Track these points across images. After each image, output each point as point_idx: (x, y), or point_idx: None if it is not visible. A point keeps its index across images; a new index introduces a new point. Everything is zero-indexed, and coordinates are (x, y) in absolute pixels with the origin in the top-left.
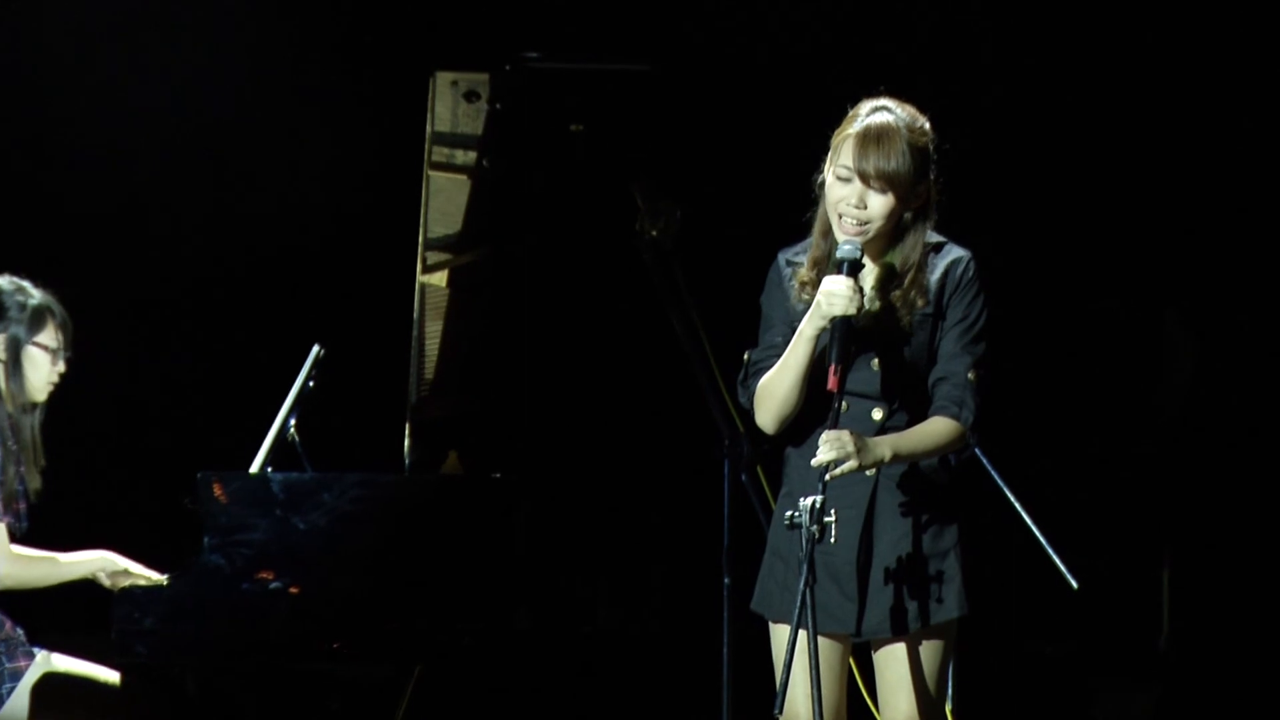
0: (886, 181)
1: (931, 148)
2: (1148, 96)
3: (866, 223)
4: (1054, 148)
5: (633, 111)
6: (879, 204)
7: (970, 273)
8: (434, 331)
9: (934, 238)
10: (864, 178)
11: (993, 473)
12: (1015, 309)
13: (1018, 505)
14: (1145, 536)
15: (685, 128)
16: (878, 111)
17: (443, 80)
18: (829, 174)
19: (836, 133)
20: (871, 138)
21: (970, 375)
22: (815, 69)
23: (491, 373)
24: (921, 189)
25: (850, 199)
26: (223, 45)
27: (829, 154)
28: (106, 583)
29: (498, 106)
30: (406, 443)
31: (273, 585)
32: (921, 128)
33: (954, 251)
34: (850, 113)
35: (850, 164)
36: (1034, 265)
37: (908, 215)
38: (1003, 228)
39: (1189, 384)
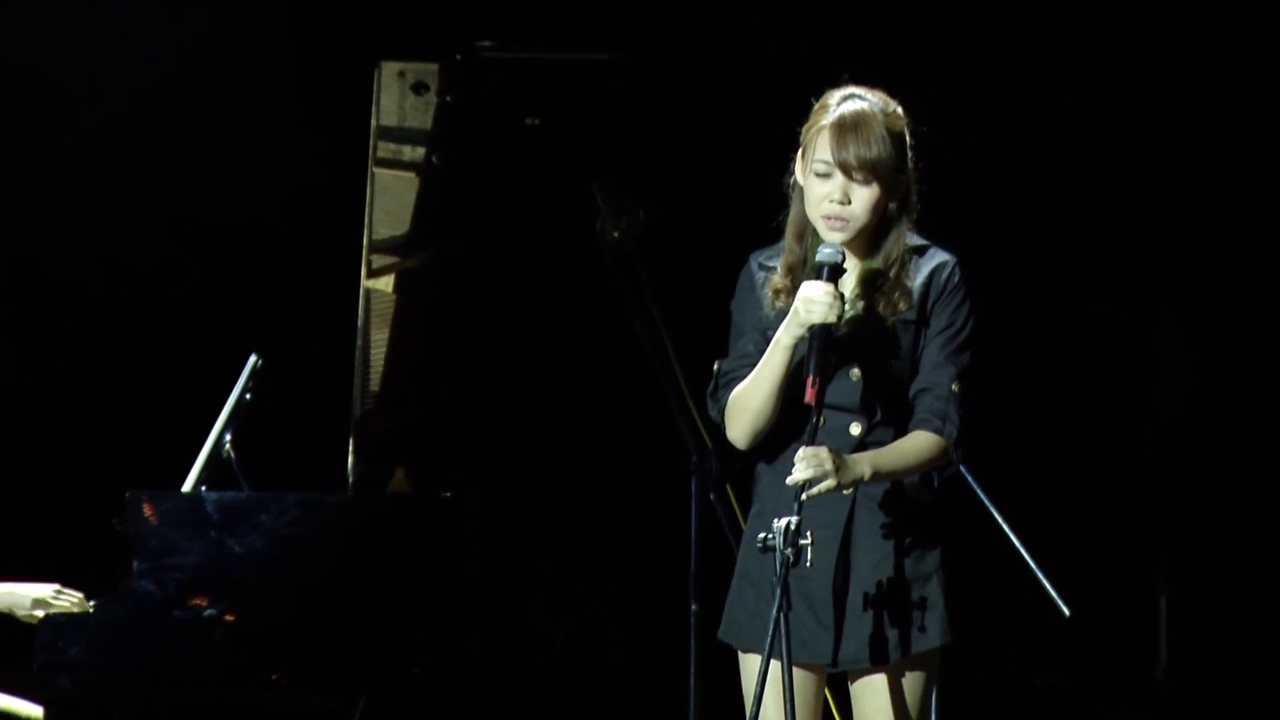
0: (870, 171)
1: (908, 132)
2: (1142, 96)
3: (851, 219)
4: (1045, 147)
5: (594, 105)
6: (864, 197)
7: (955, 278)
8: (379, 340)
9: (916, 240)
10: (845, 169)
11: (978, 491)
12: (1003, 315)
13: (1005, 526)
14: (1141, 559)
15: (651, 122)
16: (849, 100)
17: (389, 71)
18: (803, 173)
19: (806, 127)
20: (849, 126)
21: (954, 387)
22: (794, 60)
23: (442, 384)
24: (902, 178)
25: (832, 195)
26: (149, 34)
27: (800, 152)
28: (21, 615)
29: (448, 99)
30: (350, 459)
31: (207, 612)
32: (895, 112)
33: (938, 256)
34: (818, 104)
35: (829, 157)
36: (1022, 268)
37: (892, 207)
38: (991, 229)
39: (1186, 391)
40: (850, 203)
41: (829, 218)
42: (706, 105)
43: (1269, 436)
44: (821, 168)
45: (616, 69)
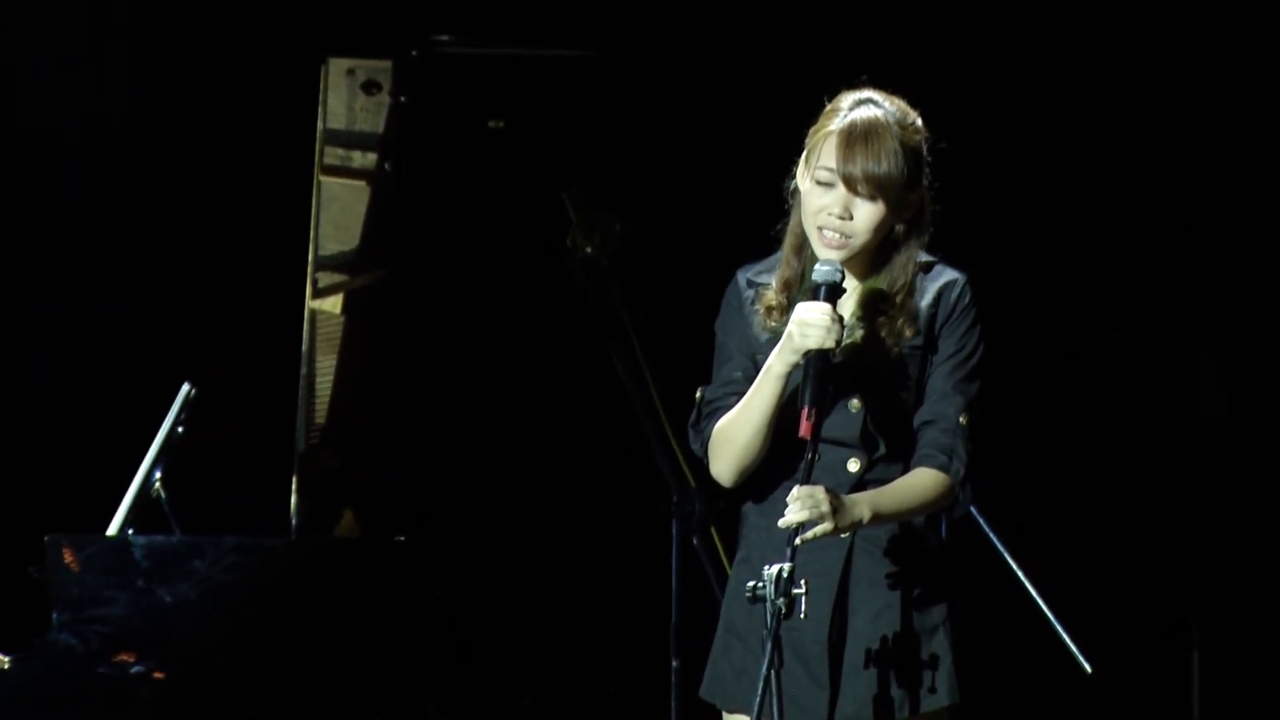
0: (876, 187)
1: (925, 148)
2: (1175, 115)
3: (851, 236)
4: (1071, 161)
5: (564, 106)
6: (866, 214)
7: (966, 299)
8: (326, 367)
9: (923, 257)
10: (849, 182)
11: (990, 534)
12: (1023, 343)
13: (1020, 573)
14: (1171, 610)
15: (629, 125)
16: (863, 105)
17: (337, 68)
18: (805, 179)
19: (813, 130)
20: (858, 135)
21: (962, 419)
22: (788, 55)
23: (396, 416)
24: (914, 197)
25: (832, 208)
26: (71, 34)
27: (804, 156)
28: None
29: (402, 99)
30: (294, 499)
31: (134, 668)
32: (914, 124)
33: (946, 274)
34: (829, 106)
35: (833, 166)
36: (1044, 292)
37: (899, 228)
38: (1011, 248)
39: (1221, 428)
40: (851, 218)
41: (825, 231)
42: (690, 105)
43: None
44: (824, 176)
45: (588, 66)
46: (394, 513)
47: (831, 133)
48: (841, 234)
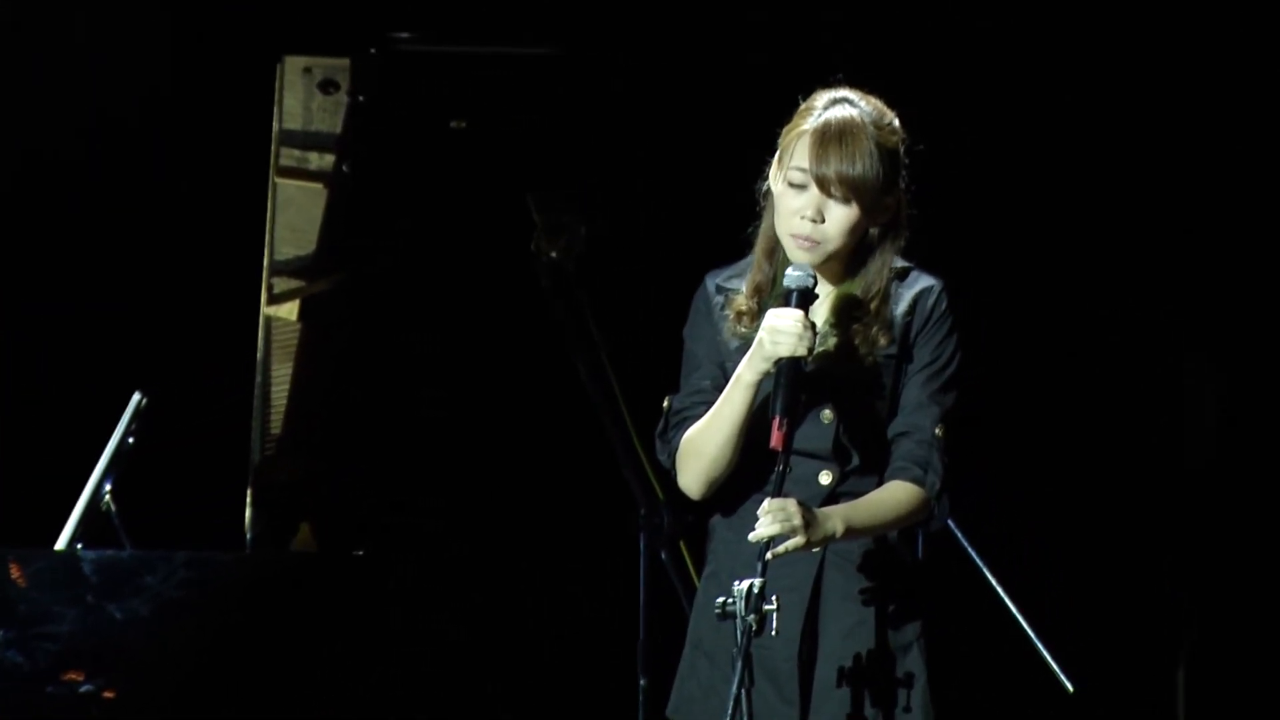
0: (850, 189)
1: (902, 150)
2: (1165, 120)
3: (823, 239)
4: (1052, 161)
5: (529, 106)
6: (840, 216)
7: (942, 306)
8: (282, 375)
9: (899, 263)
10: (823, 184)
11: (969, 549)
12: (1002, 349)
13: (1000, 590)
14: (1156, 626)
15: (596, 125)
16: (838, 104)
17: (293, 66)
18: (777, 180)
19: (786, 129)
20: (832, 135)
21: (937, 430)
22: (766, 52)
23: (354, 426)
24: (889, 200)
25: (805, 209)
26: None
27: (776, 156)
28: None
29: (360, 99)
30: (248, 513)
31: (83, 688)
32: (891, 125)
33: (922, 280)
34: (803, 105)
35: (806, 166)
36: (1025, 297)
37: (873, 232)
38: (992, 250)
39: (1214, 438)
40: (824, 221)
41: (797, 236)
42: (659, 104)
43: None
44: (797, 177)
45: (553, 65)
46: (352, 526)
47: (805, 132)
48: (814, 237)
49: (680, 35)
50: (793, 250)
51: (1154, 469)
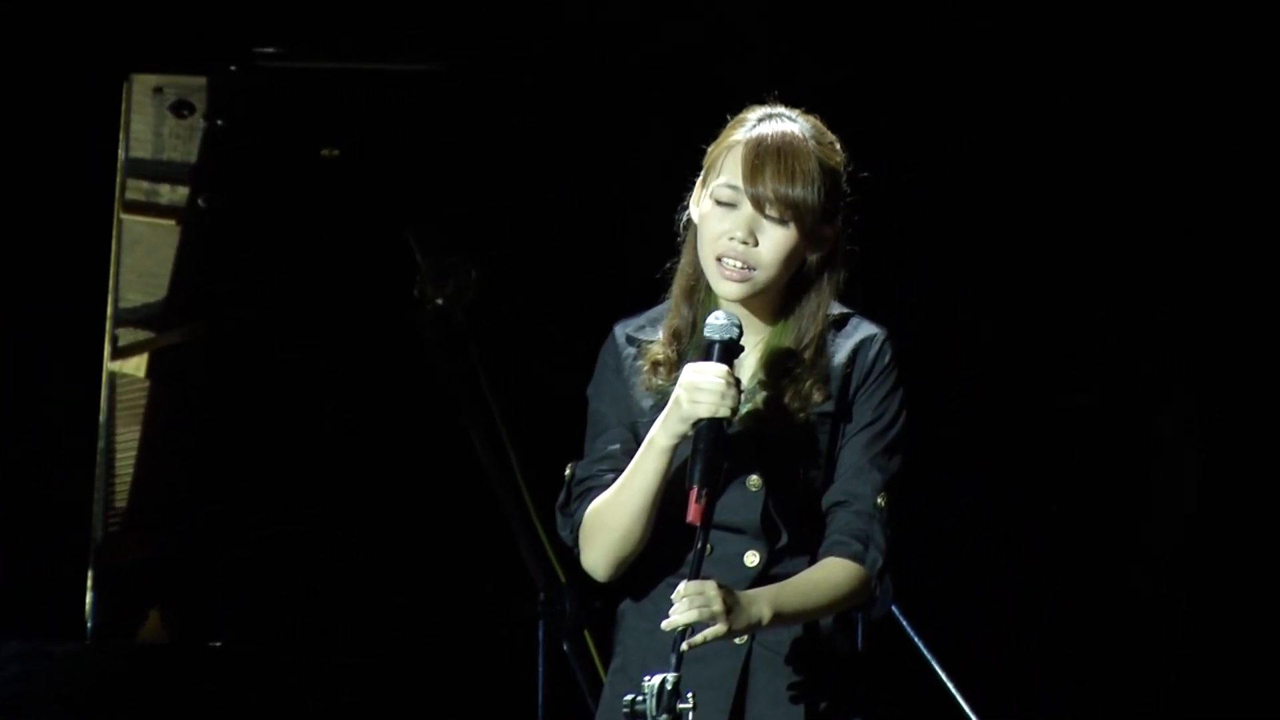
0: (788, 208)
1: (844, 176)
2: (1125, 158)
3: (755, 267)
4: (1013, 192)
5: (411, 130)
6: (775, 240)
7: (885, 358)
8: (128, 440)
9: (837, 308)
10: (757, 201)
11: (915, 639)
12: (953, 407)
13: (951, 686)
14: None
15: (487, 152)
16: (774, 118)
17: (142, 86)
18: (703, 201)
19: (714, 145)
20: (769, 149)
21: (880, 500)
22: (689, 69)
23: (209, 499)
24: (829, 231)
25: (735, 230)
26: None
27: (701, 176)
28: None
29: (219, 123)
30: (89, 596)
31: None
32: (833, 144)
33: (864, 328)
34: (733, 120)
35: (737, 183)
36: (981, 344)
37: (811, 260)
38: (942, 294)
39: (1193, 504)
40: (756, 244)
41: (725, 258)
42: (563, 128)
43: None
44: (726, 194)
45: (437, 83)
46: (209, 613)
47: (737, 144)
48: (744, 263)
49: (585, 47)
50: (718, 280)
51: (1124, 546)
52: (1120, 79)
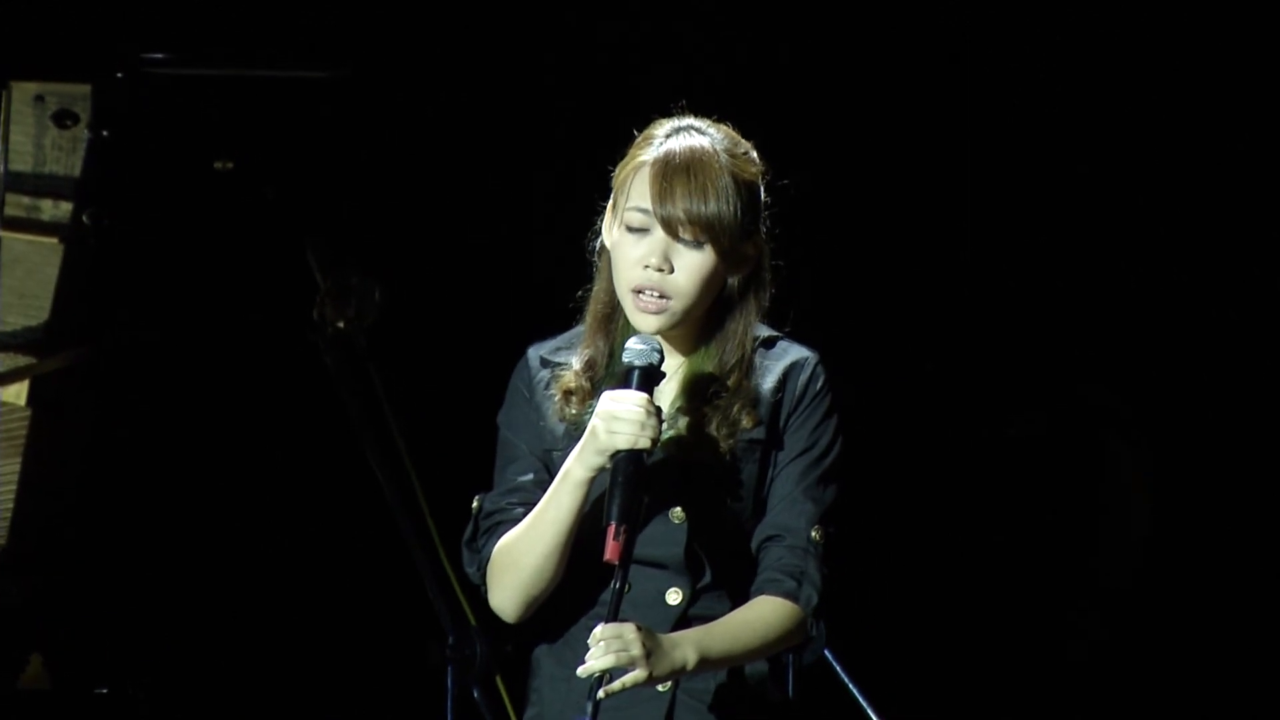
0: (702, 229)
1: (763, 185)
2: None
3: (672, 296)
4: (948, 205)
5: (311, 140)
6: (691, 264)
7: (818, 383)
8: (8, 475)
9: (764, 330)
10: (669, 225)
11: (850, 684)
12: (888, 435)
13: None
14: None
15: (393, 165)
16: (682, 132)
17: (21, 94)
18: (614, 228)
19: (621, 165)
20: (678, 167)
21: (814, 534)
22: (607, 76)
23: (96, 535)
24: (750, 248)
25: (648, 257)
26: None
27: (611, 200)
28: None
29: (105, 134)
30: None
31: None
32: (747, 155)
33: (794, 351)
34: (639, 136)
35: (647, 206)
36: (915, 372)
37: (732, 283)
38: (870, 316)
39: (1143, 538)
40: (672, 271)
41: (641, 290)
42: (476, 139)
43: (1258, 594)
44: (637, 219)
45: (340, 90)
46: (95, 658)
47: (644, 164)
48: (661, 289)
49: (497, 54)
50: (634, 313)
51: (1071, 588)
52: (1040, 109)
